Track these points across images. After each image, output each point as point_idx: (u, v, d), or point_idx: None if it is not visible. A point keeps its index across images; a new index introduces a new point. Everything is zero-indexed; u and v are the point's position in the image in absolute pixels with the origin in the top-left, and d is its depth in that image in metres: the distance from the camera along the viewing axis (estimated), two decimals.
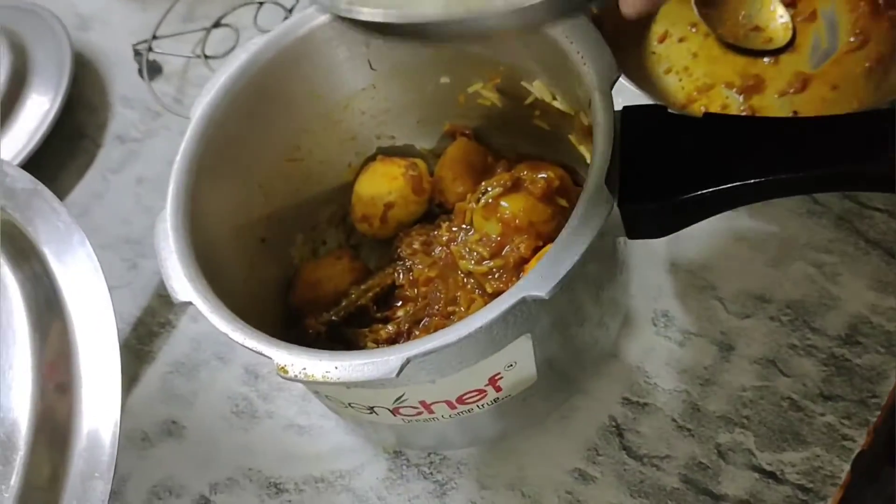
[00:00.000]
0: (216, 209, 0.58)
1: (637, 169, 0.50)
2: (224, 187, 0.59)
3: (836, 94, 0.65)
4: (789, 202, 0.63)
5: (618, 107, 0.52)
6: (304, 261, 0.67)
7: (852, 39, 0.66)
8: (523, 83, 0.61)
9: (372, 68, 0.63)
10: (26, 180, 0.58)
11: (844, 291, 0.60)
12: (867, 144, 0.49)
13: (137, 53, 0.86)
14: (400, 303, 0.63)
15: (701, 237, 0.63)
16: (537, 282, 0.46)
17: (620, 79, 0.54)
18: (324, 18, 0.60)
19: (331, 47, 0.61)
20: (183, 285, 0.52)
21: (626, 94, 0.62)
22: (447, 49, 0.62)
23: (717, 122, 0.52)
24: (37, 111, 0.82)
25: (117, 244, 0.77)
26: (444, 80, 0.64)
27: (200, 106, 0.58)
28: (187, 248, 0.53)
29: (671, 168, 0.50)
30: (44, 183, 0.57)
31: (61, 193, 0.80)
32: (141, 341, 0.71)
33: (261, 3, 0.85)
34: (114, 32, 0.91)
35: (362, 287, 0.63)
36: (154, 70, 0.86)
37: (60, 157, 0.83)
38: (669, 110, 0.53)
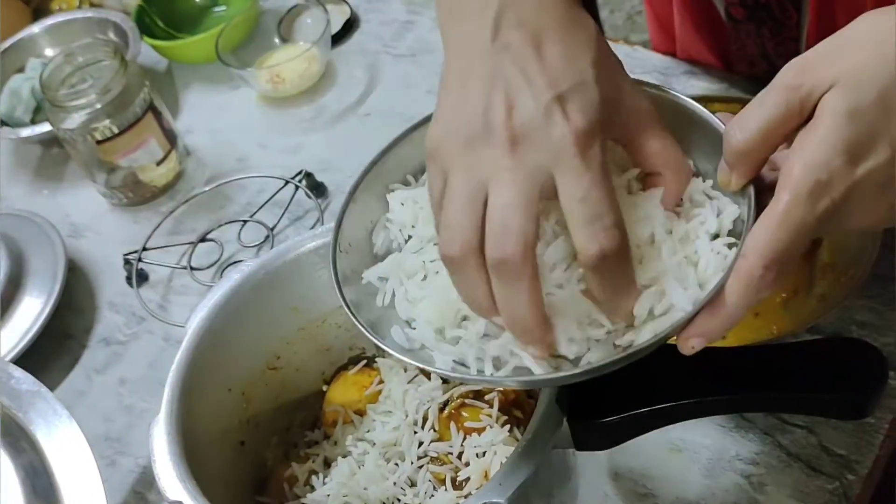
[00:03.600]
0: (204, 414, 0.64)
1: (585, 389, 0.57)
2: (212, 394, 0.65)
3: (758, 321, 0.74)
4: (720, 418, 0.70)
5: None
6: (277, 462, 0.72)
7: None
8: None
9: None
10: (30, 382, 0.64)
11: (770, 500, 0.66)
12: (785, 372, 0.57)
13: (127, 262, 0.93)
14: None
15: (641, 448, 0.70)
16: (496, 489, 0.52)
17: None
18: (311, 245, 0.68)
19: (314, 270, 0.69)
20: (173, 485, 0.57)
21: None
22: None
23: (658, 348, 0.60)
24: (30, 312, 0.88)
25: (97, 441, 0.81)
26: None
27: (196, 320, 0.65)
28: (178, 450, 0.59)
29: (616, 388, 0.58)
30: None
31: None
32: None
33: (244, 222, 0.94)
34: (105, 241, 0.99)
35: None
36: (141, 278, 0.93)
37: (47, 356, 0.88)
38: None
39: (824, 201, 0.45)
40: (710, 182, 0.54)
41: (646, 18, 1.03)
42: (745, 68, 0.88)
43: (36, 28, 1.17)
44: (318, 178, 0.95)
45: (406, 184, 0.60)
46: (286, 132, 1.04)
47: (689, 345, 0.49)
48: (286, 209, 0.93)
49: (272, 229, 0.92)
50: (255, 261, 0.68)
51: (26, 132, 1.05)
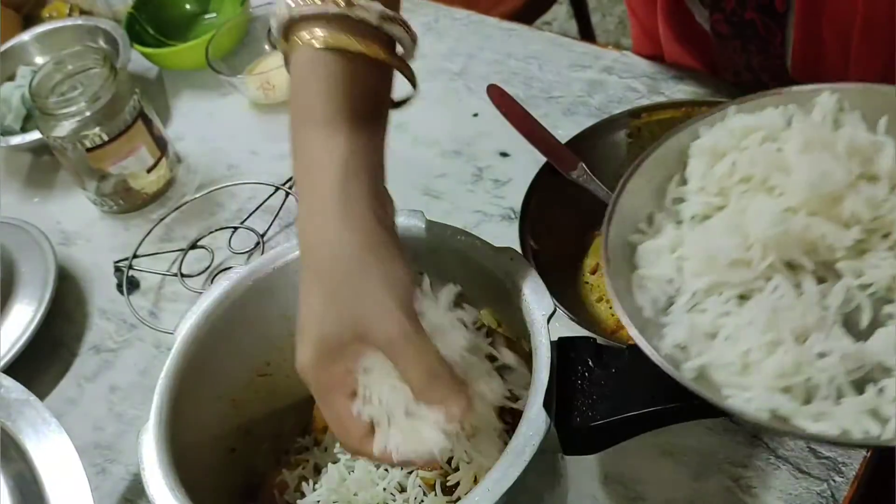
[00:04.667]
0: (194, 422, 0.64)
1: (571, 394, 0.57)
2: (202, 401, 0.65)
3: None
4: (708, 421, 0.70)
5: (554, 331, 0.60)
6: (267, 468, 0.72)
7: None
8: None
9: None
10: (19, 391, 0.64)
11: (758, 503, 0.66)
12: None
13: (118, 270, 0.93)
14: None
15: (630, 452, 0.70)
16: (485, 494, 0.52)
17: (557, 308, 0.62)
18: (298, 251, 0.68)
19: None
20: (162, 493, 0.57)
21: (562, 319, 0.70)
22: None
23: (638, 353, 0.60)
24: (21, 320, 0.88)
25: (88, 449, 0.81)
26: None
27: (185, 327, 0.65)
28: (167, 458, 0.59)
29: (601, 393, 0.58)
30: None
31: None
32: None
33: (235, 229, 0.94)
34: (95, 249, 0.99)
35: None
36: (132, 285, 0.93)
37: (38, 364, 0.88)
38: (598, 341, 0.61)
39: None
40: None
41: None
42: (731, 77, 0.89)
43: (26, 36, 1.17)
44: None
45: (641, 232, 0.57)
46: (277, 139, 1.04)
47: None
48: (276, 215, 0.93)
49: (262, 236, 0.92)
50: (245, 267, 0.68)
51: (16, 140, 1.05)
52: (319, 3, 0.55)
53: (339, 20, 0.56)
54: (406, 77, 0.61)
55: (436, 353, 0.54)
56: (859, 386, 0.48)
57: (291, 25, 0.57)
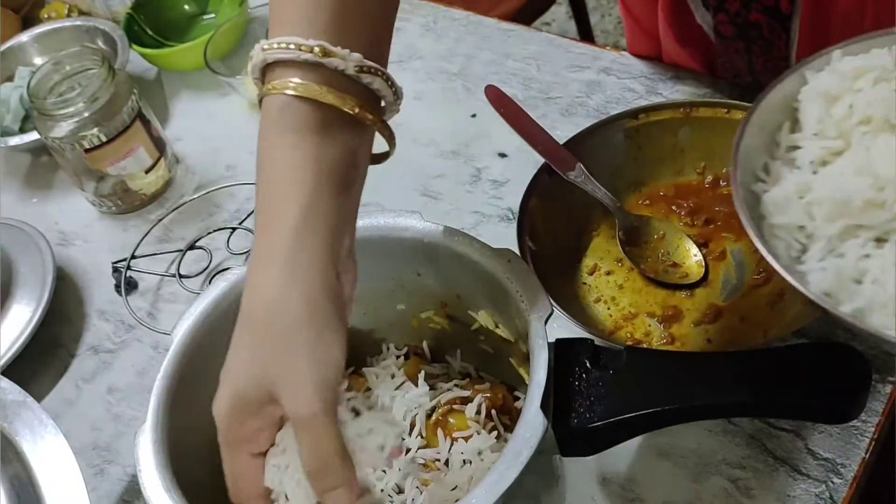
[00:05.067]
0: (190, 423, 0.63)
1: (568, 395, 0.57)
2: (198, 403, 0.64)
3: (744, 325, 0.74)
4: (706, 422, 0.70)
5: (552, 332, 0.60)
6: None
7: (757, 276, 0.76)
8: (470, 311, 0.69)
9: None
10: (16, 392, 0.64)
11: None
12: (771, 376, 0.58)
13: (116, 270, 0.93)
14: None
15: (629, 453, 0.70)
16: (483, 494, 0.52)
17: (554, 308, 0.62)
18: None
19: None
20: (159, 494, 0.57)
21: (560, 320, 0.70)
22: (407, 282, 0.70)
23: (636, 354, 0.60)
24: (19, 321, 0.88)
25: (86, 450, 0.81)
26: (401, 306, 0.72)
27: (182, 328, 0.65)
28: (164, 459, 0.59)
29: (599, 394, 0.58)
30: None
31: (35, 399, 0.85)
32: None
33: (233, 229, 0.94)
34: (93, 250, 0.99)
35: None
36: (130, 286, 0.93)
37: (36, 365, 0.88)
38: (596, 342, 0.61)
39: None
40: None
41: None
42: (731, 78, 0.89)
43: (25, 37, 1.17)
44: None
45: (762, 181, 0.57)
46: None
47: None
48: None
49: None
50: (243, 268, 0.68)
51: (15, 141, 1.05)
52: (293, 48, 0.53)
53: (314, 68, 0.53)
54: (383, 136, 0.58)
55: (335, 442, 0.54)
56: None
57: (266, 69, 0.55)
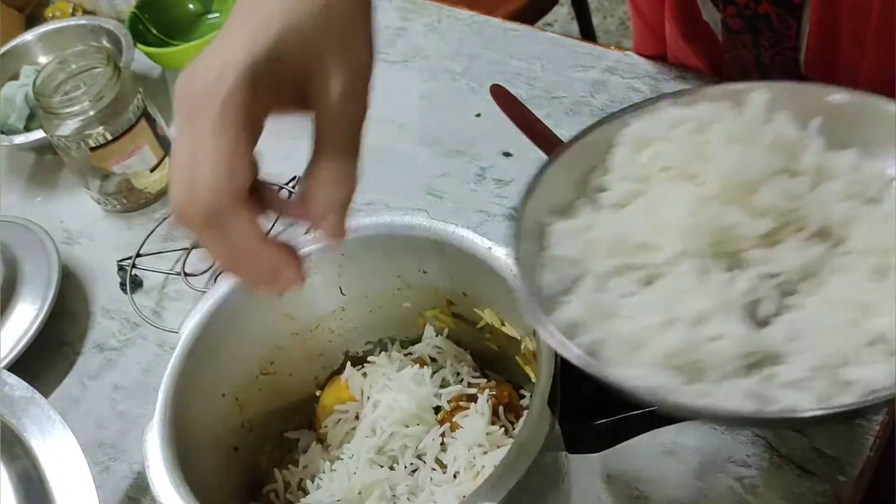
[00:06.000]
0: (197, 419, 0.64)
1: (575, 392, 0.57)
2: (205, 400, 0.65)
3: None
4: None
5: None
6: (270, 467, 0.72)
7: None
8: (476, 309, 0.69)
9: (342, 293, 0.71)
10: (24, 388, 0.64)
11: (762, 502, 0.66)
12: None
13: (121, 269, 0.93)
14: None
15: (634, 451, 0.70)
16: (488, 491, 0.52)
17: None
18: (304, 251, 0.68)
19: (308, 275, 0.69)
20: (167, 490, 0.57)
21: None
22: (413, 280, 0.70)
23: None
24: (24, 319, 0.88)
25: (91, 447, 0.81)
26: (406, 304, 0.72)
27: (189, 327, 0.65)
28: (171, 455, 0.59)
29: (604, 391, 0.58)
30: None
31: None
32: None
33: None
34: (98, 248, 0.99)
35: None
36: (135, 284, 0.93)
37: (41, 363, 0.88)
38: None
39: None
40: None
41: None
42: (736, 78, 0.89)
43: (29, 35, 1.17)
44: None
45: (556, 214, 0.56)
46: (279, 138, 1.02)
47: None
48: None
49: (265, 235, 0.92)
50: None
51: (20, 139, 1.05)
52: None
53: None
54: None
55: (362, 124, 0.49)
56: (750, 371, 0.47)
57: None
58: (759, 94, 0.56)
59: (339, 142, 0.50)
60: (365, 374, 0.73)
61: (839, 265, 0.50)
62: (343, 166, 0.50)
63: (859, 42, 0.77)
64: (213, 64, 0.46)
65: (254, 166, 0.48)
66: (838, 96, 0.56)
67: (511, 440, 0.64)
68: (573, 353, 0.49)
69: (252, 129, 0.47)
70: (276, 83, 0.47)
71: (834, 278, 0.50)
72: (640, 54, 0.98)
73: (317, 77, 0.48)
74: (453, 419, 0.66)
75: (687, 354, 0.48)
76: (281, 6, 0.47)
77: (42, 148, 1.07)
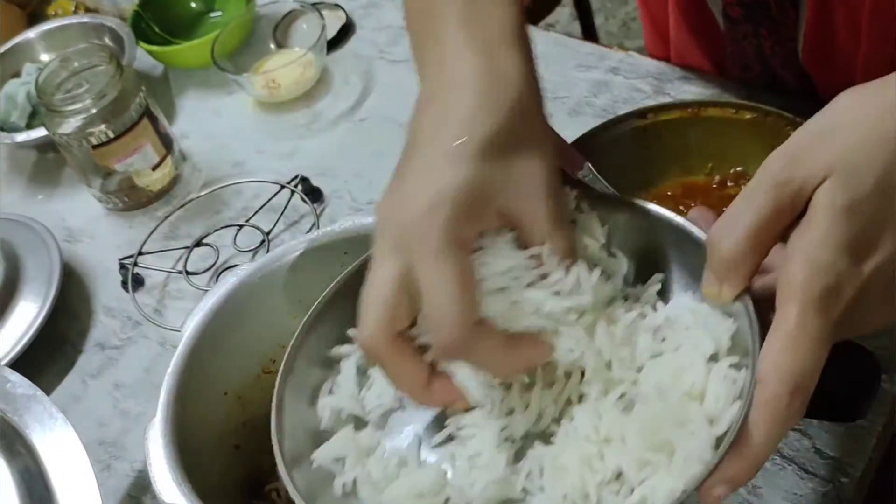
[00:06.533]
0: (199, 418, 0.64)
1: None
2: (207, 398, 0.65)
3: None
4: None
5: None
6: (272, 465, 0.72)
7: None
8: None
9: None
10: (26, 385, 0.64)
11: None
12: None
13: (123, 267, 0.93)
14: None
15: None
16: None
17: None
18: (303, 248, 0.69)
19: (308, 273, 0.69)
20: (169, 487, 0.57)
21: None
22: None
23: None
24: (25, 317, 0.88)
25: (92, 446, 0.81)
26: None
27: (192, 324, 0.65)
28: (174, 453, 0.59)
29: None
30: None
31: None
32: None
33: (240, 227, 0.94)
34: (100, 246, 0.99)
35: None
36: (137, 283, 0.93)
37: (43, 361, 0.88)
38: None
39: (836, 308, 0.41)
40: (689, 296, 0.50)
41: (640, 25, 1.03)
42: (739, 72, 0.89)
43: (32, 33, 1.17)
44: (314, 182, 0.95)
45: (350, 341, 0.54)
46: (282, 137, 1.04)
47: (715, 494, 0.42)
48: (282, 214, 0.93)
49: (268, 234, 0.92)
50: (251, 265, 0.69)
51: (22, 137, 1.05)
52: None
53: None
54: None
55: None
56: None
57: None
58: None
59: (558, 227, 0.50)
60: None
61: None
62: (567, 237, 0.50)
63: (854, 30, 0.77)
64: (422, 195, 0.47)
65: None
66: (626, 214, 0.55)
67: None
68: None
69: (470, 256, 0.47)
70: (482, 206, 0.47)
71: (582, 408, 0.48)
72: (652, 54, 0.98)
73: (522, 198, 0.48)
74: None
75: (436, 494, 0.48)
76: (474, 118, 0.48)
77: (44, 146, 1.07)
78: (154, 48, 1.12)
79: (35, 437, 0.61)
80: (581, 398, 0.49)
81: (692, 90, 0.93)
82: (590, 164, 0.81)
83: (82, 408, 0.85)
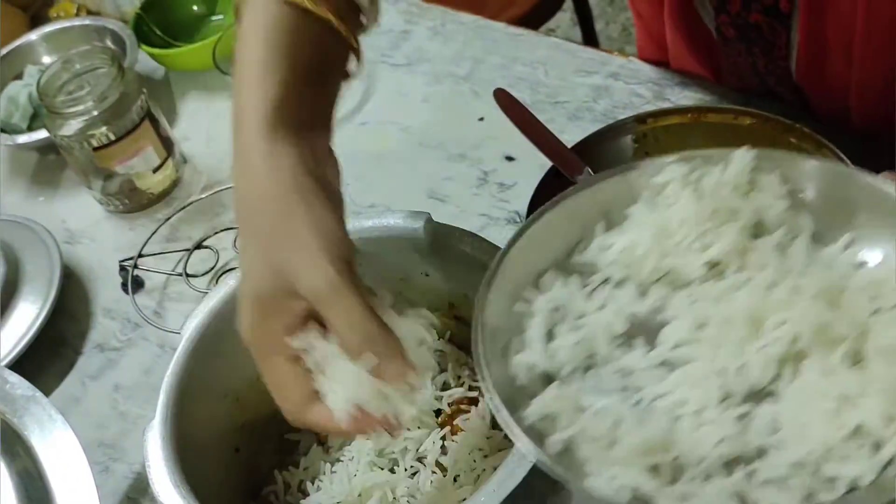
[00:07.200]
0: (199, 420, 0.64)
1: None
2: (206, 400, 0.66)
3: None
4: None
5: None
6: (271, 468, 0.72)
7: None
8: None
9: None
10: (25, 387, 0.64)
11: None
12: None
13: (123, 269, 0.93)
14: None
15: None
16: (490, 495, 0.52)
17: None
18: None
19: None
20: (167, 490, 0.57)
21: None
22: (415, 283, 0.70)
23: None
24: (25, 318, 0.89)
25: (91, 448, 0.80)
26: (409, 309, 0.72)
27: (191, 326, 0.65)
28: (172, 455, 0.59)
29: None
30: None
31: None
32: None
33: None
34: (100, 248, 0.99)
35: None
36: (136, 285, 0.93)
37: (42, 362, 0.88)
38: None
39: None
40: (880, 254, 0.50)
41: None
42: (736, 82, 0.89)
43: (33, 35, 1.18)
44: None
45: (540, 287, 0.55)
46: None
47: None
48: None
49: None
50: None
51: (23, 139, 1.05)
52: None
53: None
54: (352, 49, 0.59)
55: (366, 309, 0.51)
56: (730, 466, 0.46)
57: None
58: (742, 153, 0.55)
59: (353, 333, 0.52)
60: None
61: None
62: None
63: (847, 52, 0.77)
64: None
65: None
66: (813, 164, 0.55)
67: (512, 444, 0.64)
68: (542, 459, 0.47)
69: (282, 349, 0.54)
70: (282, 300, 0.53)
71: (809, 366, 0.48)
72: (645, 59, 0.98)
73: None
74: (454, 422, 0.66)
75: (664, 451, 0.46)
76: (269, 242, 0.53)
77: (45, 147, 1.07)
78: (155, 51, 1.12)
79: (34, 439, 0.61)
80: (798, 357, 0.48)
81: (692, 96, 0.93)
82: (589, 169, 0.81)
83: (81, 409, 0.85)
